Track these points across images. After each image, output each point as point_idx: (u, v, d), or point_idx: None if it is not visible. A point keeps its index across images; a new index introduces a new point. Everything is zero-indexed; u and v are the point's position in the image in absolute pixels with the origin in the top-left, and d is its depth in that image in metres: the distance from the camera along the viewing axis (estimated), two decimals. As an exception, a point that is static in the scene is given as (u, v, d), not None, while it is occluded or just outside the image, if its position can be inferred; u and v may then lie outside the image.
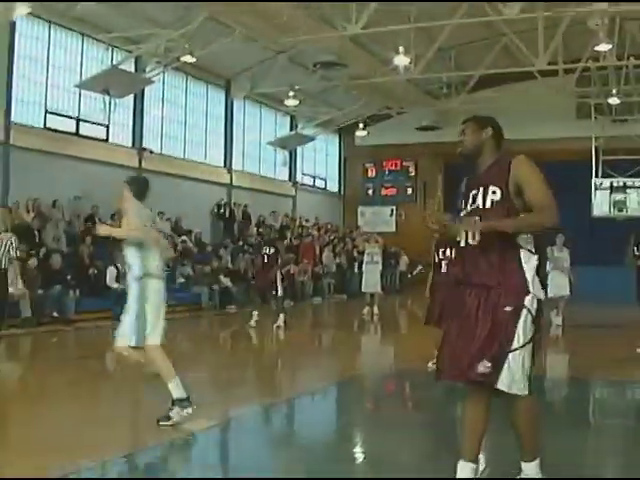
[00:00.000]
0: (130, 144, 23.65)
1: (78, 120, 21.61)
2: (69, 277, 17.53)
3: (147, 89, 23.60)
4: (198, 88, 26.89)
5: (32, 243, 17.62)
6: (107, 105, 21.75)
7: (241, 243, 26.16)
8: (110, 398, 9.09)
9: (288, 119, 32.17)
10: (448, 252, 10.17)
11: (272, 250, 17.07)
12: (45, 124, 20.62)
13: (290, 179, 32.75)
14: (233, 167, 28.49)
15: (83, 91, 21.27)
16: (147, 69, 22.57)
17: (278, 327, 16.62)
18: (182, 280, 21.55)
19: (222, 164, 28.10)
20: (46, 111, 20.63)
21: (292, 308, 23.54)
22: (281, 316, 16.84)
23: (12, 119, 19.45)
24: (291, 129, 32.01)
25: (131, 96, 23.08)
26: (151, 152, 23.97)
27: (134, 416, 8.29)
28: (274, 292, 17.04)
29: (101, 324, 17.03)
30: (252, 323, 17.06)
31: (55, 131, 20.84)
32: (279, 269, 17.13)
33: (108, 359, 13.26)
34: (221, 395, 9.51)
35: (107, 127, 22.55)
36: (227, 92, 28.04)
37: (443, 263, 10.31)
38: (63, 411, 8.07)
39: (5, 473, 5.55)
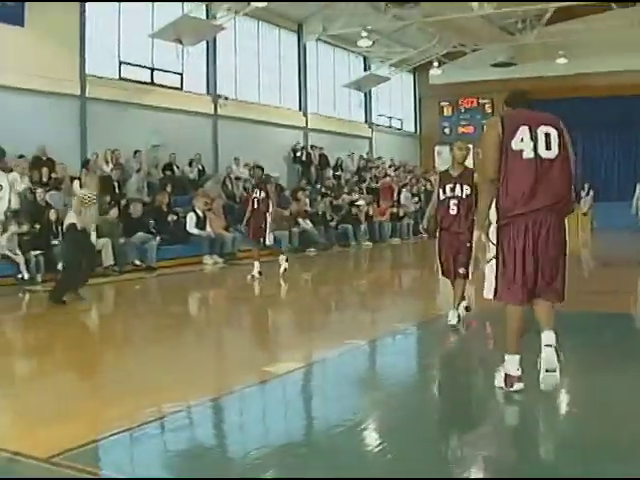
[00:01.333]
0: (205, 91, 23.73)
1: (152, 69, 21.73)
2: (150, 225, 17.74)
3: (219, 36, 23.54)
4: (270, 33, 26.76)
5: (112, 193, 17.85)
6: (180, 53, 21.81)
7: (319, 186, 26.16)
8: (194, 343, 9.23)
9: (361, 60, 31.93)
10: (458, 190, 8.65)
11: (262, 194, 15.19)
12: (120, 75, 20.77)
13: (366, 121, 32.56)
14: (308, 110, 28.41)
15: (156, 40, 21.33)
16: (218, 16, 22.49)
17: (261, 275, 15.04)
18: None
19: (297, 107, 28.04)
20: (120, 62, 20.77)
21: (371, 249, 23.60)
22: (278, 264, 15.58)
23: (87, 71, 19.62)
24: (364, 70, 31.70)
25: (203, 43, 23.08)
26: (226, 98, 24.08)
27: (218, 360, 8.37)
28: (262, 240, 15.24)
29: (183, 270, 17.27)
30: (255, 274, 15.06)
31: (130, 81, 20.98)
32: (270, 215, 15.23)
33: (191, 305, 13.47)
34: (304, 338, 9.54)
35: (181, 75, 22.64)
36: (299, 35, 27.90)
37: (451, 202, 8.66)
38: (148, 356, 8.19)
39: (92, 419, 5.66)
